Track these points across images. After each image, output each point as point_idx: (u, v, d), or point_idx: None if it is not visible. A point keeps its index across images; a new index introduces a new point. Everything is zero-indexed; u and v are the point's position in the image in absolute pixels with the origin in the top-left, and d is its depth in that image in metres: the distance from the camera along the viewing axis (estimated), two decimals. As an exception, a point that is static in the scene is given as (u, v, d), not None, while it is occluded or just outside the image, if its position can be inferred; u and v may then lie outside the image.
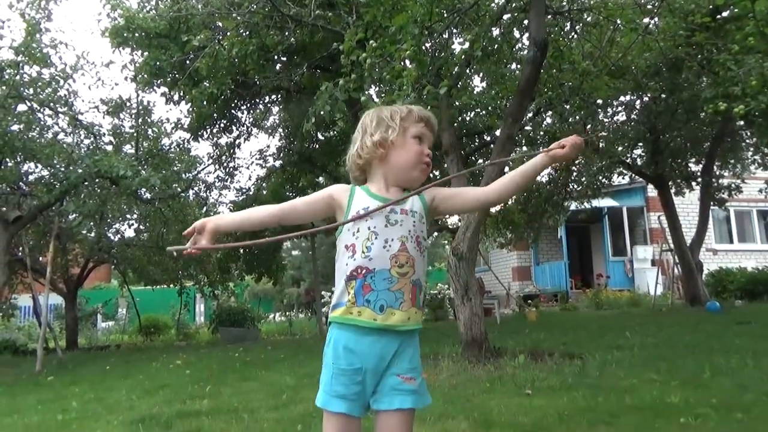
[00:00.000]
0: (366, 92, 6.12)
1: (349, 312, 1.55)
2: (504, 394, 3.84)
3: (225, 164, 12.37)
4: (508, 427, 3.01)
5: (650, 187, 14.42)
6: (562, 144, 1.69)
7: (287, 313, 18.87)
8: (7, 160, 8.50)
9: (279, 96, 10.76)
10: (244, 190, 13.00)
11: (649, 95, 9.60)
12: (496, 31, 6.50)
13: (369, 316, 1.54)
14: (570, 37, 7.40)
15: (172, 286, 13.76)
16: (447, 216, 10.53)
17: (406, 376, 1.60)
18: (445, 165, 7.59)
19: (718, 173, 11.65)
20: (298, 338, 11.41)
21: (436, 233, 13.68)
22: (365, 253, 1.56)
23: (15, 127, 7.84)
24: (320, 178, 12.27)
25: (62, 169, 8.49)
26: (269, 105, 11.93)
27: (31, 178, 9.74)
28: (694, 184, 11.50)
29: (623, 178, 13.44)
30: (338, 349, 1.55)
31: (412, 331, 1.62)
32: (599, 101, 9.32)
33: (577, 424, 3.01)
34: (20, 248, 10.02)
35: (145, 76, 8.64)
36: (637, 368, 4.49)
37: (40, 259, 11.29)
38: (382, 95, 7.07)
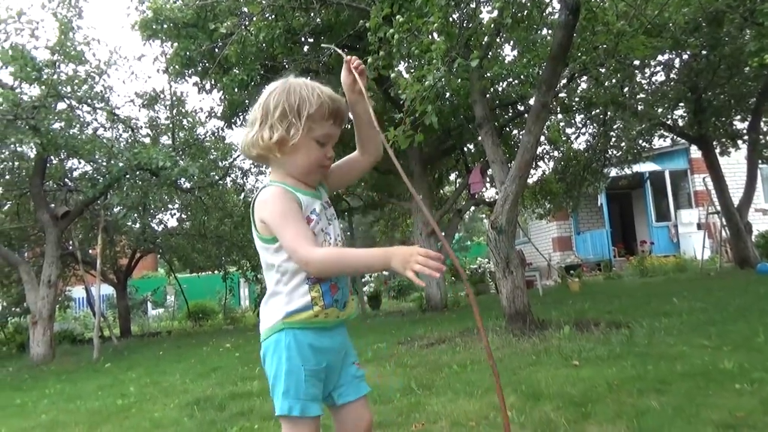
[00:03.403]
0: (395, 69, 6.07)
1: (316, 315, 1.46)
2: (551, 366, 3.82)
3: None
4: (557, 398, 2.99)
5: (693, 148, 13.94)
6: (356, 69, 1.56)
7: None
8: (52, 158, 8.79)
9: (308, 78, 10.75)
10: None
11: (688, 52, 9.22)
12: (525, -4, 6.31)
13: (334, 315, 1.49)
14: (603, -4, 7.14)
15: (216, 272, 14.11)
16: (480, 192, 10.42)
17: (357, 362, 1.61)
18: (479, 138, 7.48)
19: (765, 129, 11.15)
20: (341, 318, 11.51)
21: (473, 207, 13.57)
22: None
23: (56, 126, 8.07)
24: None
25: (104, 163, 8.74)
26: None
27: (75, 174, 10.09)
28: (740, 142, 11.05)
29: (664, 141, 13.02)
30: (304, 350, 1.45)
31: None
32: (636, 62, 9.01)
33: (628, 393, 2.97)
34: (70, 242, 10.42)
35: (177, 66, 8.75)
36: (686, 335, 4.39)
37: (90, 251, 11.71)
38: (412, 70, 7.00)
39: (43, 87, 7.59)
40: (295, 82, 1.50)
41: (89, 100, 8.42)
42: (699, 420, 2.46)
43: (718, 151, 11.12)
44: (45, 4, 7.99)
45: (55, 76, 7.74)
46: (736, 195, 11.23)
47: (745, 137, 10.87)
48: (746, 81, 9.55)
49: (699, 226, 14.46)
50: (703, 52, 8.94)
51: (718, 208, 10.81)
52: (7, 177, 9.91)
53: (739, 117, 10.86)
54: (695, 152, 13.93)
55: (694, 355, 3.63)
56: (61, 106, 8.32)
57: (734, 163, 13.01)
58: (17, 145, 8.17)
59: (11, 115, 7.13)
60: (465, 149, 11.09)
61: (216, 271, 14.11)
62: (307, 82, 1.52)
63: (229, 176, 12.34)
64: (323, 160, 1.53)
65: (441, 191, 13.46)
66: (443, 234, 11.27)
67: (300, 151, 1.48)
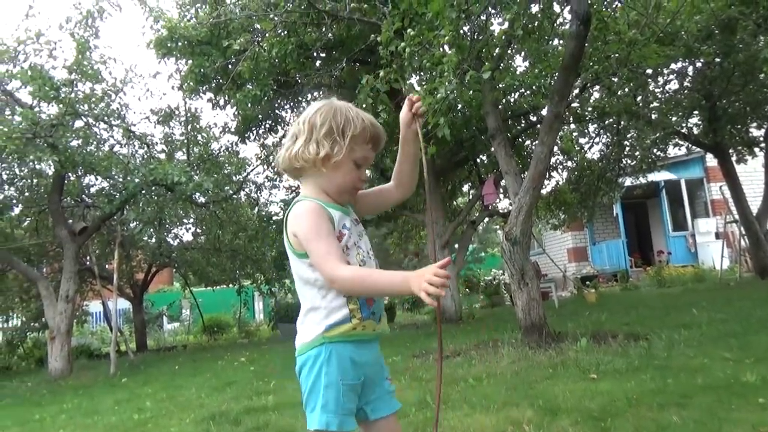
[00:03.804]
0: (407, 82, 6.10)
1: (354, 328, 1.49)
2: (568, 379, 3.77)
3: (273, 164, 12.60)
4: (575, 413, 2.95)
5: (709, 156, 13.79)
6: (416, 112, 1.61)
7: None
8: (70, 174, 8.92)
9: (321, 92, 10.84)
10: (293, 188, 13.21)
11: (702, 60, 9.14)
12: (535, 8, 6.32)
13: (371, 328, 1.53)
14: (614, 6, 7.13)
15: (231, 285, 14.16)
16: (494, 203, 10.37)
17: (390, 377, 1.64)
18: (492, 149, 7.47)
19: (783, 137, 11.00)
20: (355, 331, 11.50)
21: (486, 219, 13.52)
22: (363, 267, 1.54)
23: (74, 143, 8.20)
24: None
25: (120, 179, 8.84)
26: (312, 102, 12.04)
27: (92, 190, 10.21)
28: (756, 150, 10.91)
29: (679, 149, 12.87)
30: (345, 364, 1.47)
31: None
32: (649, 71, 8.96)
33: (648, 407, 2.92)
34: (87, 257, 10.53)
35: (191, 83, 8.88)
36: (707, 347, 4.32)
37: (107, 266, 11.81)
38: (424, 83, 7.03)
39: (61, 105, 7.72)
40: (341, 104, 1.56)
41: (106, 118, 8.55)
42: (721, 435, 2.41)
43: (734, 158, 10.99)
44: (63, 25, 8.15)
45: (73, 95, 7.87)
46: (754, 203, 11.07)
47: (762, 144, 10.73)
48: (761, 88, 9.45)
49: (717, 236, 14.26)
50: (717, 60, 8.87)
51: (736, 216, 10.66)
52: (27, 194, 10.06)
53: (755, 124, 10.73)
54: (711, 160, 13.77)
55: (715, 368, 3.57)
56: (79, 123, 8.45)
57: (751, 171, 12.84)
58: (36, 162, 8.30)
59: (30, 134, 7.25)
60: (478, 160, 11.08)
61: (231, 285, 14.16)
62: (351, 106, 1.57)
63: (243, 190, 12.43)
64: (357, 182, 1.58)
65: (454, 203, 13.43)
66: (457, 246, 11.24)
67: (339, 170, 1.52)
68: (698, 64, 9.63)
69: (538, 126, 8.87)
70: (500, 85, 7.86)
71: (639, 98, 9.73)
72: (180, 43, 8.55)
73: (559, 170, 12.12)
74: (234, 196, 11.71)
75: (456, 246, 11.16)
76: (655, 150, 11.24)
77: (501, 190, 10.25)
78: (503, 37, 5.80)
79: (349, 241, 1.52)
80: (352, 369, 1.48)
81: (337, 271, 1.40)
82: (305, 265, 1.50)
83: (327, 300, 1.49)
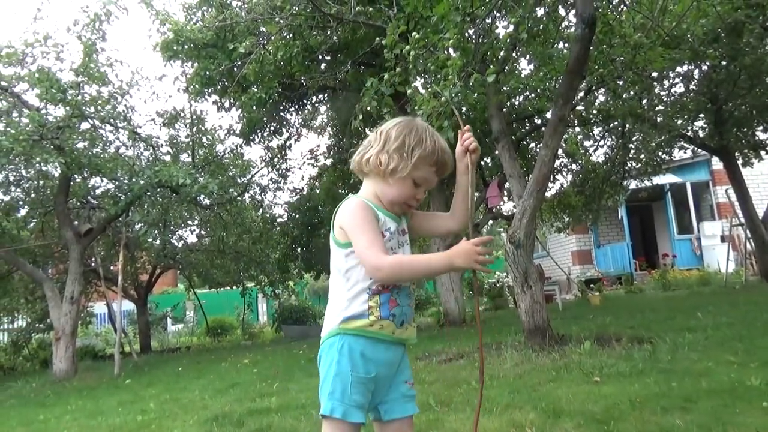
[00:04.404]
0: (412, 85, 6.11)
1: (370, 325, 1.53)
2: (571, 383, 3.76)
3: (277, 166, 12.64)
4: (578, 416, 2.95)
5: (715, 159, 13.74)
6: (466, 148, 1.64)
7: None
8: (76, 176, 8.96)
9: (326, 95, 10.88)
10: (297, 191, 13.25)
11: (707, 63, 9.12)
12: (540, 11, 6.33)
13: (389, 330, 1.55)
14: (619, 9, 7.13)
15: (235, 287, 14.20)
16: (498, 206, 10.37)
17: (411, 381, 1.66)
18: (496, 152, 7.47)
19: (789, 140, 10.96)
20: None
21: (491, 221, 13.50)
22: None
23: (80, 145, 8.24)
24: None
25: (126, 181, 8.88)
26: (317, 105, 12.09)
27: (98, 192, 10.26)
28: (763, 153, 10.87)
29: (685, 153, 12.86)
30: (355, 357, 1.52)
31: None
32: (654, 74, 8.94)
33: (651, 410, 2.91)
34: (92, 259, 10.58)
35: (197, 86, 8.91)
36: (711, 350, 4.30)
37: (111, 268, 11.87)
38: (428, 87, 7.03)
39: (68, 108, 7.76)
40: (420, 123, 1.64)
41: (112, 120, 8.59)
42: (725, 439, 2.40)
43: (740, 162, 10.94)
44: (70, 28, 8.20)
45: (79, 97, 7.91)
46: (760, 206, 11.02)
47: (768, 148, 10.69)
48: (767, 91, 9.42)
49: (723, 239, 14.21)
50: (723, 63, 8.84)
51: (742, 220, 10.62)
52: (33, 196, 10.11)
53: (761, 128, 10.69)
54: (717, 163, 13.72)
55: (719, 372, 3.55)
56: (85, 126, 8.49)
57: (758, 174, 12.81)
58: (42, 164, 8.33)
59: (37, 136, 7.30)
60: (482, 163, 11.08)
61: (234, 287, 14.19)
62: (429, 127, 1.65)
63: (248, 192, 12.48)
64: (411, 200, 1.64)
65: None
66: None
67: (399, 184, 1.61)
68: (704, 68, 9.60)
69: (543, 129, 8.88)
70: (505, 88, 7.86)
71: (644, 101, 9.72)
72: (186, 46, 8.58)
73: (564, 173, 12.11)
74: (238, 198, 11.75)
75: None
76: (660, 153, 11.22)
77: (505, 193, 10.24)
78: (508, 41, 5.81)
79: (388, 244, 1.57)
80: (363, 363, 1.52)
81: (381, 259, 1.47)
82: (342, 255, 1.57)
83: (350, 293, 1.55)
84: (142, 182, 8.28)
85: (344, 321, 1.54)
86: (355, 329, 1.53)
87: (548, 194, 11.36)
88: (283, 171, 12.82)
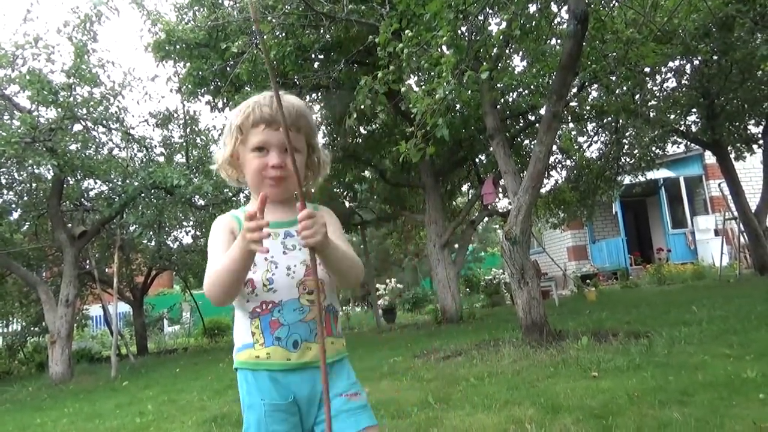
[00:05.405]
0: (405, 83, 6.11)
1: (256, 355, 1.34)
2: (569, 378, 3.78)
3: (272, 165, 12.59)
4: (577, 411, 2.96)
5: (708, 154, 13.81)
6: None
7: (343, 308, 19.13)
8: (69, 178, 8.92)
9: (319, 94, 10.85)
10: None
11: (699, 58, 9.16)
12: (533, 8, 6.34)
13: (281, 357, 1.33)
14: (611, 5, 7.15)
15: (230, 288, 14.14)
16: (493, 203, 10.39)
17: (350, 392, 1.38)
18: (491, 149, 7.48)
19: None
20: (357, 332, 11.55)
21: (486, 218, 13.53)
22: (267, 285, 1.35)
23: (73, 147, 8.20)
24: (365, 172, 12.33)
25: (119, 183, 8.84)
26: (310, 104, 12.05)
27: (91, 194, 10.21)
28: (755, 147, 10.94)
29: (678, 147, 12.90)
30: (264, 384, 1.33)
31: (340, 360, 1.41)
32: (647, 69, 8.97)
33: (649, 404, 2.93)
34: (87, 261, 10.53)
35: (189, 86, 8.86)
36: (707, 344, 4.33)
37: (107, 270, 11.81)
38: (422, 84, 7.03)
39: (60, 109, 7.72)
40: (244, 101, 1.44)
41: (104, 121, 8.55)
42: (723, 431, 2.42)
43: (733, 155, 11.01)
44: (60, 29, 8.16)
45: (71, 99, 7.87)
46: (753, 200, 11.09)
47: (761, 141, 10.76)
48: (759, 85, 9.48)
49: (716, 233, 14.28)
50: (714, 58, 8.89)
51: (735, 213, 10.68)
52: (26, 198, 10.06)
53: (753, 121, 10.76)
54: (710, 158, 13.80)
55: (715, 365, 3.57)
56: (77, 127, 8.45)
57: (750, 168, 12.87)
58: (35, 166, 8.30)
59: (29, 138, 7.25)
60: (477, 160, 11.10)
61: (231, 288, 14.14)
62: (260, 95, 1.44)
63: (243, 193, 12.41)
64: (265, 169, 1.37)
65: (453, 203, 13.44)
66: (457, 246, 11.25)
67: (246, 164, 1.41)
68: (696, 62, 9.65)
69: (537, 125, 8.89)
70: (498, 85, 7.86)
71: (637, 97, 9.75)
72: (178, 46, 8.53)
73: (558, 169, 12.14)
74: (233, 198, 11.69)
75: (456, 246, 11.17)
76: (653, 148, 11.27)
77: (500, 190, 10.25)
78: (501, 37, 5.80)
79: (260, 257, 1.32)
80: (275, 388, 1.33)
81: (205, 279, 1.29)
82: None
83: (237, 320, 1.40)
84: (136, 184, 8.25)
85: (237, 353, 1.38)
86: (245, 362, 1.36)
87: (543, 190, 11.39)
88: (278, 170, 12.79)
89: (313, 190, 1.56)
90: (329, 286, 1.40)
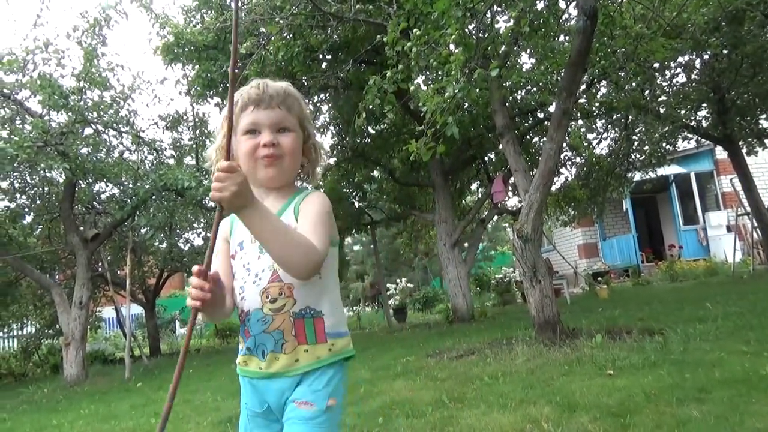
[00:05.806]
0: (414, 82, 6.10)
1: (242, 361, 1.38)
2: (584, 376, 3.76)
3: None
4: (594, 409, 2.94)
5: (719, 149, 13.71)
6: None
7: (354, 308, 19.14)
8: (81, 182, 8.99)
9: (327, 94, 10.86)
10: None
11: (709, 53, 9.09)
12: (540, 4, 6.31)
13: (255, 365, 1.35)
14: (620, 0, 7.10)
15: (241, 289, 14.18)
16: (503, 201, 10.37)
17: (300, 400, 1.31)
18: (501, 147, 7.46)
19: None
20: (368, 332, 11.57)
21: (496, 217, 13.49)
22: (240, 293, 1.35)
23: (84, 151, 8.26)
24: (375, 172, 12.34)
25: (131, 186, 8.90)
26: (318, 104, 12.06)
27: (103, 197, 10.28)
28: (767, 141, 10.83)
29: (689, 143, 12.82)
30: (247, 390, 1.39)
31: (316, 369, 1.33)
32: (656, 64, 8.91)
33: (666, 402, 2.91)
34: (100, 264, 10.61)
35: (198, 88, 8.90)
36: (723, 340, 4.29)
37: (119, 272, 11.89)
38: (431, 83, 7.02)
39: (71, 113, 7.77)
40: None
41: (115, 125, 8.60)
42: (743, 429, 2.40)
43: (744, 150, 10.91)
44: (70, 34, 8.22)
45: (82, 103, 7.93)
46: (766, 195, 11.00)
47: (773, 136, 10.66)
48: (771, 79, 9.38)
49: (729, 229, 14.16)
50: (725, 52, 8.81)
51: (748, 209, 10.58)
52: (38, 202, 10.15)
53: (765, 116, 10.65)
54: (721, 153, 13.68)
55: (732, 362, 3.54)
56: (88, 131, 8.51)
57: (762, 163, 12.75)
58: (47, 170, 8.38)
59: (41, 142, 7.31)
60: (486, 158, 11.06)
61: (241, 288, 14.19)
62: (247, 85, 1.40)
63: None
64: (256, 149, 1.33)
65: (463, 201, 13.42)
66: (467, 244, 11.22)
67: (239, 149, 1.36)
68: (706, 57, 9.58)
69: (547, 123, 8.86)
70: (507, 83, 7.84)
71: (647, 92, 9.69)
72: (186, 49, 8.57)
73: (568, 166, 12.08)
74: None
75: (466, 245, 11.14)
76: (664, 144, 11.19)
77: (510, 188, 10.22)
78: (509, 35, 5.79)
79: (239, 263, 1.35)
80: (253, 395, 1.37)
81: None
82: None
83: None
84: (147, 186, 8.30)
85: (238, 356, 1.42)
86: (238, 366, 1.41)
87: (553, 188, 11.34)
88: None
89: (311, 186, 1.51)
90: (305, 288, 1.30)
